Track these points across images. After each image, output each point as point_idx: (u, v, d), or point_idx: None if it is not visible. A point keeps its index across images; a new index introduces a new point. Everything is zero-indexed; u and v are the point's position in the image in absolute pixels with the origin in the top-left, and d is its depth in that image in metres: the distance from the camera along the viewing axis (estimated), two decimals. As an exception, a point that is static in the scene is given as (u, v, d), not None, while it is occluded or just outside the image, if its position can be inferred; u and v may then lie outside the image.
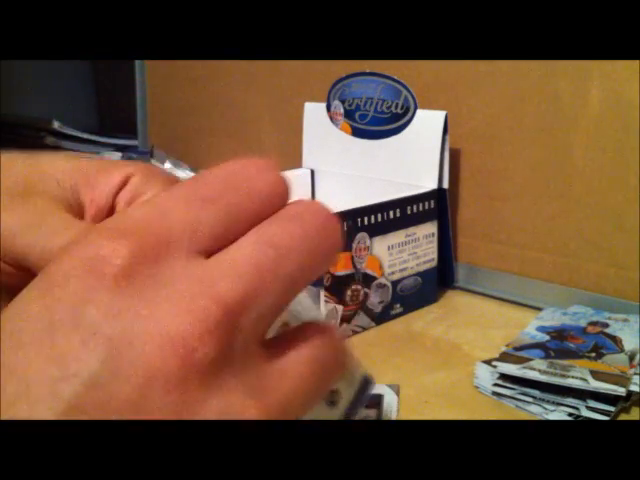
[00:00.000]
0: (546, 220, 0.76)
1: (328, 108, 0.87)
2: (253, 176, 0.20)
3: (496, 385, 0.57)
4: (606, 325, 0.66)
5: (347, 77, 0.84)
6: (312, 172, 0.91)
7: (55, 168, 0.26)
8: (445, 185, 0.77)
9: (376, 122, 0.82)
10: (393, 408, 0.55)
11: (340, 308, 0.69)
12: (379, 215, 0.71)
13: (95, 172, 0.27)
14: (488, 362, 0.60)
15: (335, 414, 0.26)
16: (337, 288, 0.69)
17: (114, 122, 1.63)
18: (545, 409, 0.55)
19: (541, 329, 0.66)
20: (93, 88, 1.72)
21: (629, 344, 0.61)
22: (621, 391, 0.53)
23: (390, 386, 0.58)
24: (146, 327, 0.16)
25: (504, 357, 0.60)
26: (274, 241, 0.18)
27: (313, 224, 0.19)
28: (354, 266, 0.70)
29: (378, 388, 0.57)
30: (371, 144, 0.83)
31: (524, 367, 0.57)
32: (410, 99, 0.78)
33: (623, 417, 0.54)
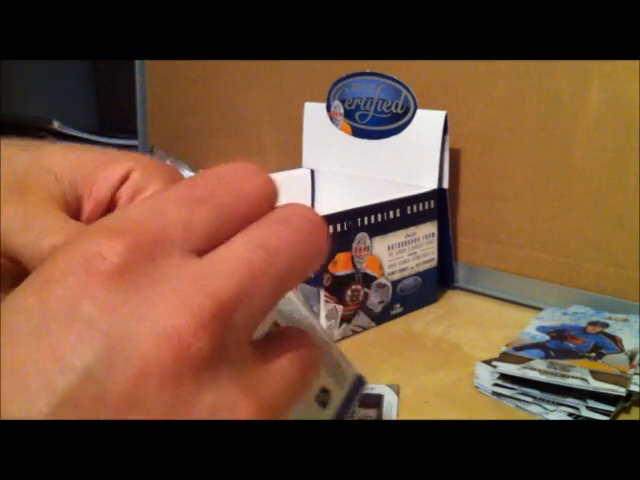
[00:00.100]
0: (546, 220, 0.76)
1: (328, 108, 0.87)
2: (242, 179, 0.20)
3: (496, 385, 0.57)
4: (606, 325, 0.66)
5: (347, 77, 0.84)
6: (312, 172, 0.91)
7: (54, 162, 0.26)
8: (445, 185, 0.77)
9: (376, 122, 0.82)
10: (393, 408, 0.55)
11: (340, 308, 0.69)
12: (379, 215, 0.71)
13: (95, 167, 0.27)
14: (488, 362, 0.60)
15: (327, 414, 0.26)
16: (337, 288, 0.69)
17: (114, 122, 1.63)
18: (545, 409, 0.55)
19: (541, 329, 0.66)
20: (93, 88, 1.71)
21: (629, 344, 0.61)
22: (621, 391, 0.53)
23: (390, 386, 0.58)
24: (141, 323, 0.17)
25: (504, 357, 0.60)
26: (264, 242, 0.19)
27: (301, 227, 0.20)
28: (354, 266, 0.70)
29: (378, 388, 0.57)
30: (371, 144, 0.83)
31: (524, 367, 0.57)
32: (410, 99, 0.78)
33: (623, 417, 0.54)
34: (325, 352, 0.27)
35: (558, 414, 0.54)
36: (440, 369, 0.63)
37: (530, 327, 0.67)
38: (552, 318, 0.70)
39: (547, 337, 0.64)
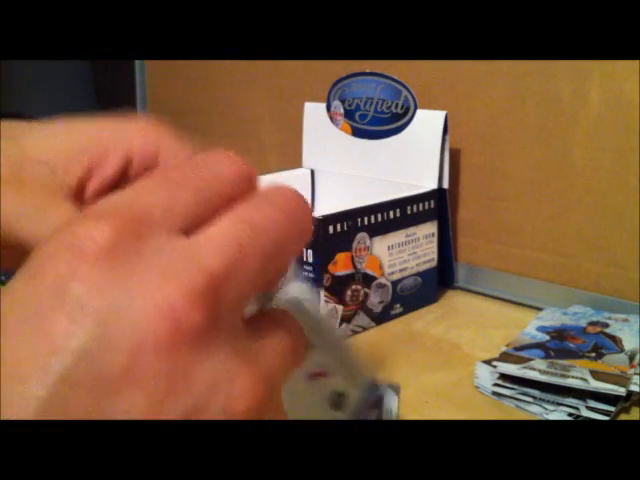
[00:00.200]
0: (546, 220, 0.76)
1: (328, 108, 0.87)
2: (217, 162, 0.21)
3: (496, 385, 0.57)
4: (606, 325, 0.66)
5: (347, 77, 0.84)
6: (312, 172, 0.91)
7: (49, 150, 0.26)
8: (445, 185, 0.77)
9: (376, 122, 0.82)
10: (393, 408, 0.55)
11: (340, 308, 0.69)
12: (379, 215, 0.71)
13: (91, 155, 0.27)
14: (488, 362, 0.60)
15: (341, 418, 0.26)
16: (337, 288, 0.69)
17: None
18: (545, 409, 0.55)
19: (541, 329, 0.66)
20: (93, 88, 1.71)
21: (629, 344, 0.61)
22: (621, 391, 0.53)
23: (390, 386, 0.58)
24: (133, 299, 0.17)
25: (504, 357, 0.60)
26: (251, 221, 0.19)
27: (285, 207, 0.20)
28: (354, 266, 0.70)
29: (378, 388, 0.57)
30: (371, 144, 0.83)
31: (524, 367, 0.57)
32: (410, 99, 0.78)
33: (623, 417, 0.54)
34: (338, 356, 0.27)
35: (558, 414, 0.54)
36: (440, 369, 0.63)
37: (530, 327, 0.67)
38: (552, 318, 0.70)
39: (547, 337, 0.64)
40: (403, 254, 0.74)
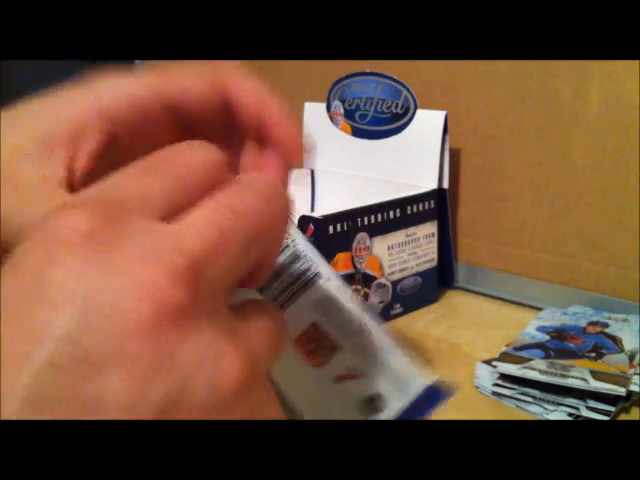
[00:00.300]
0: (546, 220, 0.76)
1: (328, 108, 0.87)
2: (191, 151, 0.21)
3: (496, 385, 0.57)
4: (606, 325, 0.66)
5: (347, 77, 0.84)
6: (312, 172, 0.91)
7: (26, 140, 0.25)
8: (445, 185, 0.77)
9: (376, 122, 0.82)
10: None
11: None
12: (379, 215, 0.71)
13: (69, 138, 0.25)
14: (488, 362, 0.60)
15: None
16: (337, 288, 0.68)
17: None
18: (545, 409, 0.55)
19: (541, 329, 0.66)
20: (93, 88, 1.71)
21: (629, 344, 0.61)
22: (621, 391, 0.53)
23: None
24: (115, 281, 0.17)
25: (504, 357, 0.60)
26: (231, 205, 0.20)
27: (264, 192, 0.21)
28: (354, 266, 0.70)
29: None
30: (371, 144, 0.83)
31: (524, 367, 0.57)
32: (410, 99, 0.78)
33: (623, 417, 0.54)
34: (379, 358, 0.27)
35: (558, 414, 0.54)
36: (440, 369, 0.63)
37: (530, 327, 0.67)
38: (552, 318, 0.70)
39: (547, 337, 0.64)
40: (403, 254, 0.74)
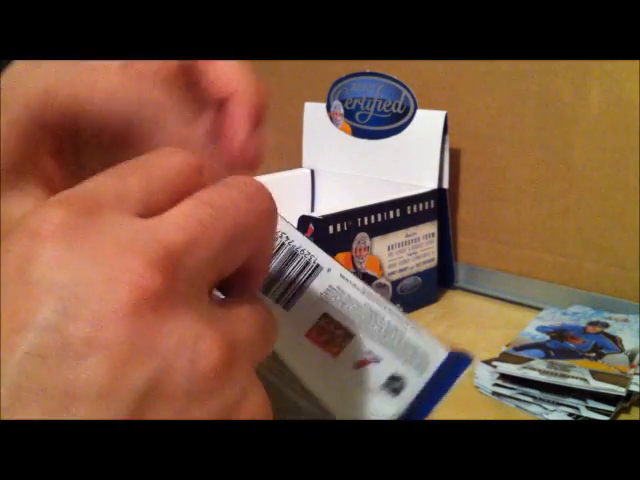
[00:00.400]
0: (546, 220, 0.76)
1: (328, 108, 0.87)
2: (165, 154, 0.21)
3: (496, 385, 0.57)
4: (606, 325, 0.66)
5: (347, 77, 0.84)
6: (312, 172, 0.91)
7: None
8: (445, 185, 0.77)
9: (376, 122, 0.82)
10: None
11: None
12: (379, 215, 0.71)
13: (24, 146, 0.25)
14: (488, 362, 0.60)
15: (398, 403, 0.25)
16: (337, 288, 0.68)
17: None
18: (545, 409, 0.55)
19: (541, 329, 0.66)
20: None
21: (629, 344, 0.61)
22: (621, 391, 0.53)
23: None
24: (93, 269, 0.17)
25: (504, 357, 0.60)
26: (211, 202, 0.20)
27: (245, 189, 0.21)
28: (354, 266, 0.70)
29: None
30: (371, 144, 0.83)
31: (524, 367, 0.57)
32: (410, 99, 0.78)
33: (623, 417, 0.54)
34: (394, 338, 0.27)
35: (558, 414, 0.54)
36: (440, 369, 0.63)
37: (530, 327, 0.67)
38: (552, 318, 0.70)
39: (547, 337, 0.64)
40: (403, 254, 0.74)
